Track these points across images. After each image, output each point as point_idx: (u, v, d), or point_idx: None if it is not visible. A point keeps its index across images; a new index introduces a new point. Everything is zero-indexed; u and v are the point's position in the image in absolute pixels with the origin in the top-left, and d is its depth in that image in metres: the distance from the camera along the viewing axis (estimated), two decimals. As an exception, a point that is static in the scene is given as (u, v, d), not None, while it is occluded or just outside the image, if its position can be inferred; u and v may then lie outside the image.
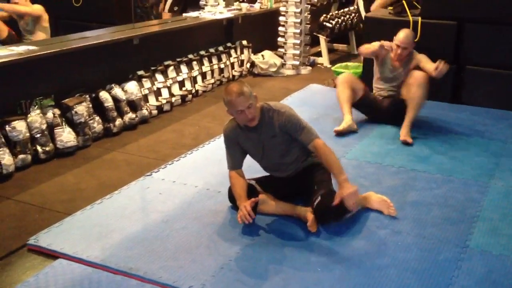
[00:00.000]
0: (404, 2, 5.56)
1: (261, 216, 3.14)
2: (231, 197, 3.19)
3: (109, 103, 4.48)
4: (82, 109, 4.21)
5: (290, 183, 3.22)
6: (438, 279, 2.59)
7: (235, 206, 3.16)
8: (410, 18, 5.38)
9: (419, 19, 5.32)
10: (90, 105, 4.36)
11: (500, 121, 4.86)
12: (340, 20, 7.50)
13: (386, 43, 4.50)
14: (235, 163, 3.15)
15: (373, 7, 6.33)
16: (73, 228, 3.01)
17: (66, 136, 4.06)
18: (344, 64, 6.25)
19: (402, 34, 4.52)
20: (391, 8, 5.67)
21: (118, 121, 4.53)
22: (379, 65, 4.68)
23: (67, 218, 3.12)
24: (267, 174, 3.32)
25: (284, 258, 2.76)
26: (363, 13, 6.44)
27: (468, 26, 5.23)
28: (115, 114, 4.51)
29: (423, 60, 4.53)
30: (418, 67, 4.53)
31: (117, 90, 4.61)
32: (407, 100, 4.44)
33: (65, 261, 2.72)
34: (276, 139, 3.06)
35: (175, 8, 7.17)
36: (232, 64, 6.34)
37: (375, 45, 4.55)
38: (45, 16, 5.72)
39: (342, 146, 4.11)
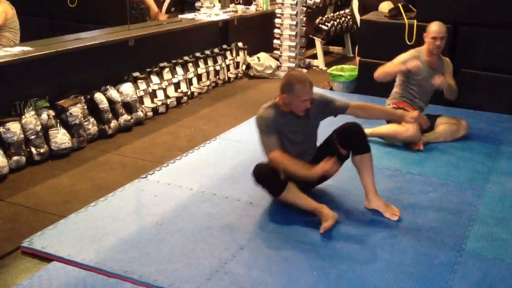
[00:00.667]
0: (400, 5, 5.58)
1: (257, 218, 3.14)
2: (263, 176, 3.13)
3: (104, 104, 4.46)
4: (77, 110, 4.19)
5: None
6: (434, 283, 2.59)
7: (270, 187, 3.15)
8: (406, 21, 5.40)
9: (415, 22, 5.34)
10: (85, 107, 4.34)
11: (495, 124, 4.87)
12: (335, 23, 7.51)
13: (409, 61, 4.09)
14: (277, 143, 3.09)
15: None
16: (67, 231, 2.98)
17: (61, 137, 4.04)
18: (339, 66, 6.24)
19: (435, 25, 4.26)
20: (387, 11, 5.67)
21: (113, 123, 4.51)
22: (412, 78, 4.29)
23: (62, 220, 3.09)
24: None
25: (279, 261, 2.75)
26: (357, 16, 6.46)
27: (463, 29, 5.25)
28: (110, 115, 4.49)
29: (448, 70, 4.40)
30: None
31: (112, 92, 4.58)
32: (440, 127, 4.38)
33: (59, 264, 2.70)
34: (316, 123, 3.31)
35: (172, 9, 7.14)
36: (228, 66, 6.33)
37: (394, 64, 4.19)
38: (8, 19, 5.31)
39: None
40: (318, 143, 3.41)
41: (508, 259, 2.80)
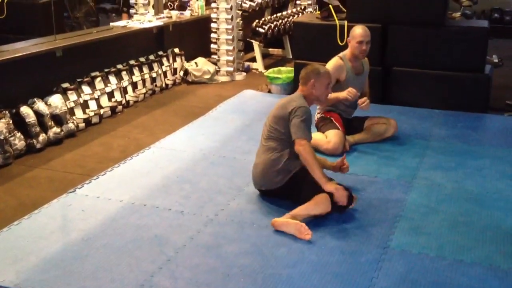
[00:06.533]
0: (330, 6, 5.66)
1: (187, 228, 3.11)
2: None
3: (30, 118, 4.32)
4: (1, 126, 4.04)
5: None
6: (359, 281, 2.62)
7: None
8: (337, 22, 5.47)
9: (345, 22, 5.42)
10: (10, 121, 4.19)
11: (426, 120, 5.00)
12: (273, 25, 7.54)
13: (347, 92, 4.07)
14: (310, 137, 3.26)
15: None
16: (-14, 253, 2.87)
17: (-16, 155, 3.89)
18: (277, 69, 6.28)
19: (360, 29, 4.20)
20: (318, 13, 5.75)
21: (42, 137, 4.37)
22: (338, 88, 4.15)
23: (-19, 242, 2.97)
24: None
25: (206, 271, 2.72)
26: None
27: (392, 28, 5.37)
28: (38, 129, 4.35)
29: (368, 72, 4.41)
30: None
31: (39, 104, 4.45)
32: (368, 128, 4.38)
33: (-24, 288, 2.59)
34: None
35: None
36: (165, 73, 6.27)
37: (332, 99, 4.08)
38: None
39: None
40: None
41: (431, 253, 2.86)
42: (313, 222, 3.16)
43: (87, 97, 5.00)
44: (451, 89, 5.29)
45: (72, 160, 4.21)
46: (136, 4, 6.35)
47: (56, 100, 4.60)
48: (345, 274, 2.68)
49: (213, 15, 6.64)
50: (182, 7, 6.82)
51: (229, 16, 6.56)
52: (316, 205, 3.10)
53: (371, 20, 5.40)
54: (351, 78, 4.27)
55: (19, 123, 4.28)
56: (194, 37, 6.99)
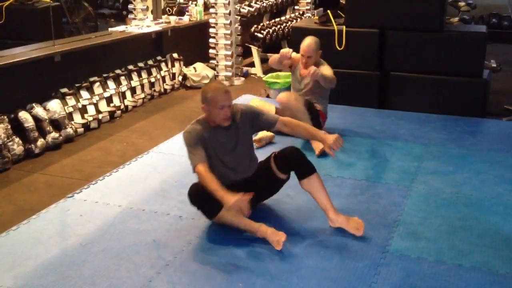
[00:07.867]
0: (329, 12, 5.67)
1: (185, 232, 3.10)
2: (198, 196, 3.02)
3: (29, 123, 4.32)
4: (-1, 131, 4.04)
5: (247, 186, 3.08)
6: (358, 286, 2.61)
7: (206, 207, 3.03)
8: (335, 27, 5.49)
9: (344, 28, 5.44)
10: (9, 126, 4.19)
11: (424, 125, 5.00)
12: (271, 30, 7.57)
13: (284, 52, 4.37)
14: (202, 157, 2.98)
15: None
16: (-16, 258, 2.86)
17: (-18, 160, 3.89)
18: (275, 74, 6.27)
19: (304, 43, 4.41)
20: (316, 17, 5.76)
21: (40, 142, 4.37)
22: (292, 74, 4.66)
23: (-21, 247, 2.97)
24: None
25: (205, 276, 2.71)
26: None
27: (390, 33, 5.38)
28: (36, 134, 4.35)
29: (322, 70, 4.34)
30: None
31: (38, 109, 4.45)
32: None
33: (-26, 294, 2.58)
34: (247, 135, 3.25)
35: None
36: (163, 78, 6.28)
37: (277, 55, 4.42)
38: None
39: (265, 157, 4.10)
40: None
41: (430, 258, 2.86)
42: (311, 227, 3.16)
43: (85, 102, 5.01)
44: (449, 94, 5.30)
45: (71, 165, 4.21)
46: (134, 9, 6.36)
47: (54, 105, 4.61)
48: (343, 279, 2.67)
49: (211, 20, 6.65)
50: (181, 12, 6.83)
51: (228, 21, 6.57)
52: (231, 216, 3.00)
53: (369, 25, 5.43)
54: (296, 74, 4.57)
55: (18, 128, 4.29)
56: (193, 42, 7.00)
